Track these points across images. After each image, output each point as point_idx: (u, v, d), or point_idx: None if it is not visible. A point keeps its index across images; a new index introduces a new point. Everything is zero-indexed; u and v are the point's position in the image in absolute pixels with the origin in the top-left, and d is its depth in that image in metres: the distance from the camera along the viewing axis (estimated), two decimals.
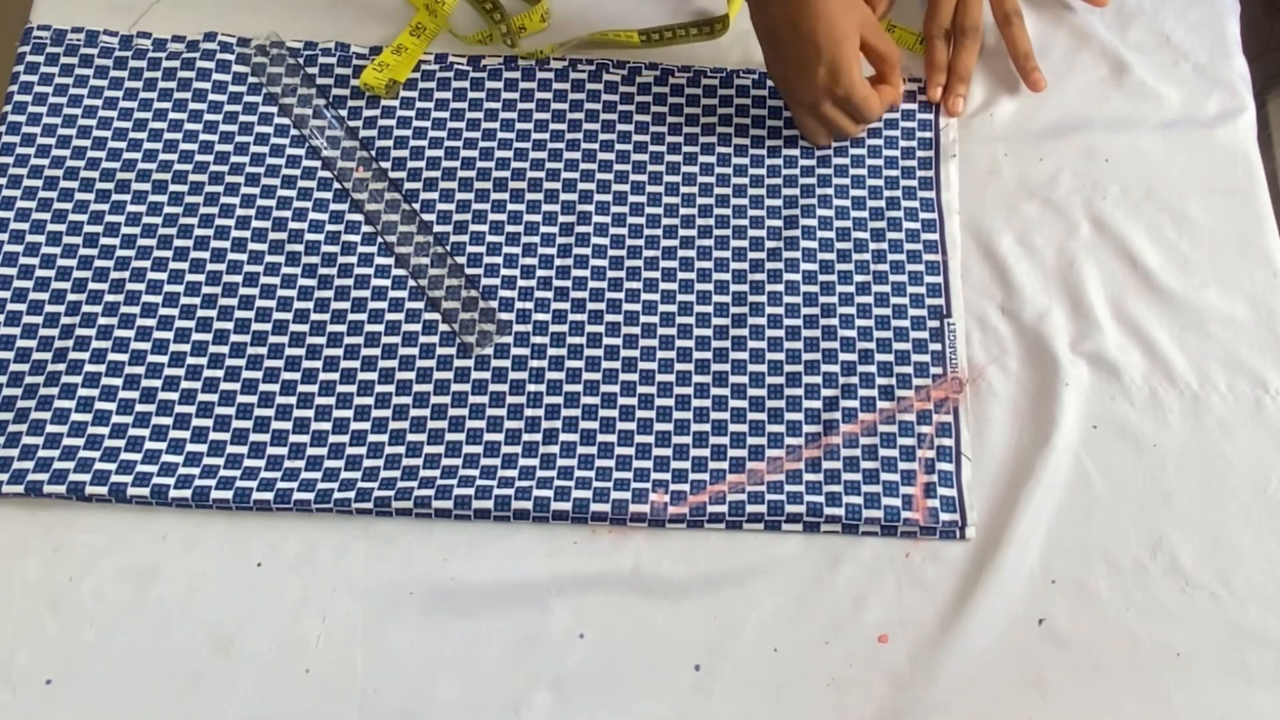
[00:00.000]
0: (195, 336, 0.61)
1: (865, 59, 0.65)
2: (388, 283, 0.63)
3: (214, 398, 0.60)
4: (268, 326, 0.61)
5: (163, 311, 0.61)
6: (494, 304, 0.63)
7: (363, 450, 0.59)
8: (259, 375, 0.60)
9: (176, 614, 0.55)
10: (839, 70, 0.61)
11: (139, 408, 0.59)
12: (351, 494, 0.57)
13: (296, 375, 0.60)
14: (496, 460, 0.58)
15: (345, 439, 0.59)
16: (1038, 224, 0.65)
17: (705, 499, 0.58)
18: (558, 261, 0.64)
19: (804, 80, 0.62)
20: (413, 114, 0.68)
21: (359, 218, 0.65)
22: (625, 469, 0.59)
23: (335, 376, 0.60)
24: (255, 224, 0.64)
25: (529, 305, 0.63)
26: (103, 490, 0.57)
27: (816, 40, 0.60)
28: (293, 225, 0.64)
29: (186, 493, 0.57)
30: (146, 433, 0.58)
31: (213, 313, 0.62)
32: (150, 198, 0.64)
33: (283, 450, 0.59)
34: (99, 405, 0.59)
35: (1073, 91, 0.70)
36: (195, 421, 0.59)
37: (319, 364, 0.61)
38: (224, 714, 0.53)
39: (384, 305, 0.62)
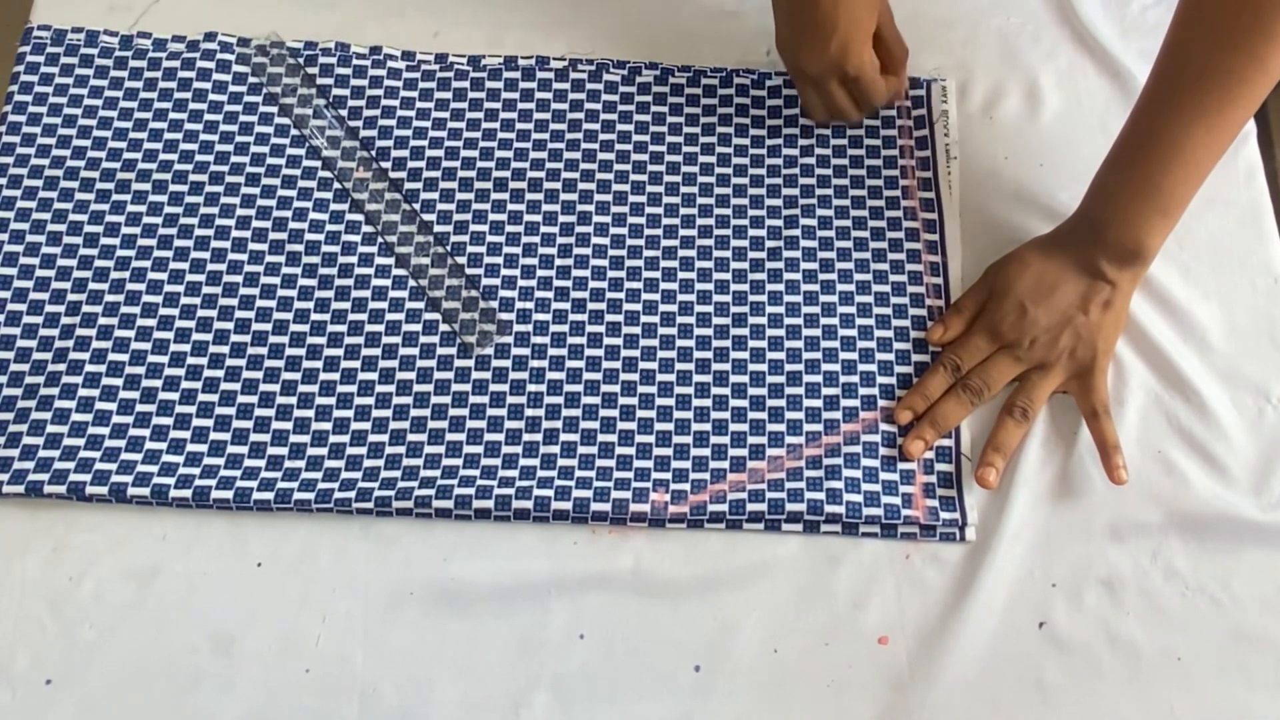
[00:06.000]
0: (195, 336, 0.61)
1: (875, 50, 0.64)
2: (388, 283, 0.63)
3: (214, 398, 0.60)
4: (268, 326, 0.61)
5: (163, 311, 0.61)
6: (494, 304, 0.63)
7: (363, 450, 0.59)
8: (259, 375, 0.60)
9: (176, 614, 0.55)
10: (851, 48, 0.61)
11: (139, 408, 0.59)
12: (352, 494, 0.57)
13: (297, 375, 0.60)
14: (497, 460, 0.58)
15: (345, 439, 0.59)
16: (1038, 228, 0.65)
17: (706, 498, 0.58)
18: (558, 261, 0.64)
19: (815, 52, 0.62)
20: (413, 114, 0.68)
21: (359, 218, 0.65)
22: (626, 468, 0.59)
23: (335, 376, 0.60)
24: (255, 224, 0.64)
25: (529, 305, 0.63)
26: (103, 490, 0.57)
27: (835, 13, 0.60)
28: (293, 225, 0.64)
29: (187, 493, 0.57)
30: (147, 433, 0.58)
31: (213, 313, 0.62)
32: (150, 198, 0.64)
33: (283, 450, 0.59)
34: (99, 405, 0.59)
35: (1075, 99, 0.70)
36: (195, 421, 0.59)
37: (319, 364, 0.61)
38: (224, 714, 0.53)
39: (384, 305, 0.62)
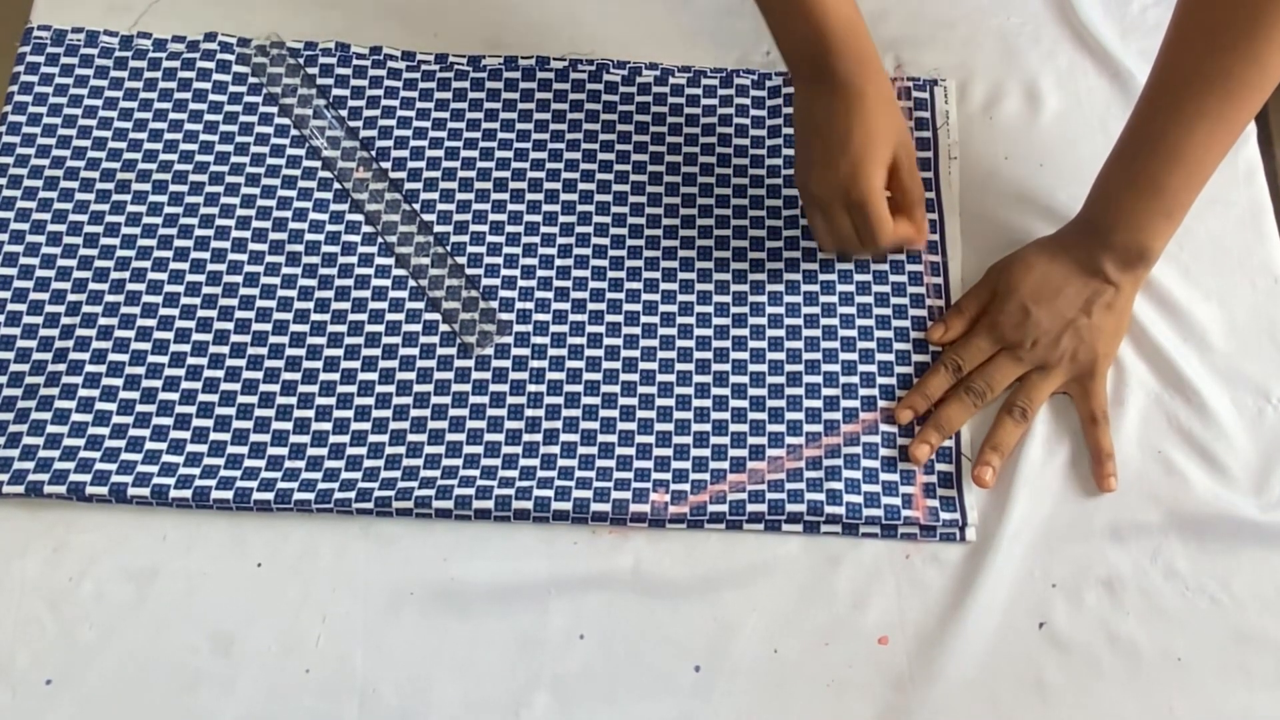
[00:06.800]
0: (195, 336, 0.61)
1: (889, 187, 0.61)
2: (388, 283, 0.63)
3: (214, 398, 0.60)
4: (268, 326, 0.61)
5: (163, 311, 0.61)
6: (494, 304, 0.63)
7: (363, 450, 0.59)
8: (259, 375, 0.60)
9: (176, 614, 0.55)
10: (859, 173, 0.58)
11: (139, 408, 0.59)
12: (352, 494, 0.57)
13: (297, 375, 0.60)
14: (497, 460, 0.58)
15: (345, 439, 0.59)
16: (1039, 228, 0.65)
17: (706, 498, 0.58)
18: (558, 261, 0.64)
19: (823, 173, 0.59)
20: (413, 114, 0.68)
21: (359, 218, 0.65)
22: (626, 469, 0.59)
23: (335, 376, 0.60)
24: (255, 224, 0.64)
25: (529, 305, 0.63)
26: (103, 490, 0.57)
27: (849, 136, 0.57)
28: (293, 225, 0.64)
29: (187, 493, 0.57)
30: (147, 433, 0.58)
31: (213, 313, 0.62)
32: (150, 198, 0.64)
33: (283, 450, 0.59)
34: (99, 405, 0.59)
35: (1075, 99, 0.70)
36: (195, 421, 0.59)
37: (319, 364, 0.61)
38: (224, 714, 0.53)
39: (384, 305, 0.62)
